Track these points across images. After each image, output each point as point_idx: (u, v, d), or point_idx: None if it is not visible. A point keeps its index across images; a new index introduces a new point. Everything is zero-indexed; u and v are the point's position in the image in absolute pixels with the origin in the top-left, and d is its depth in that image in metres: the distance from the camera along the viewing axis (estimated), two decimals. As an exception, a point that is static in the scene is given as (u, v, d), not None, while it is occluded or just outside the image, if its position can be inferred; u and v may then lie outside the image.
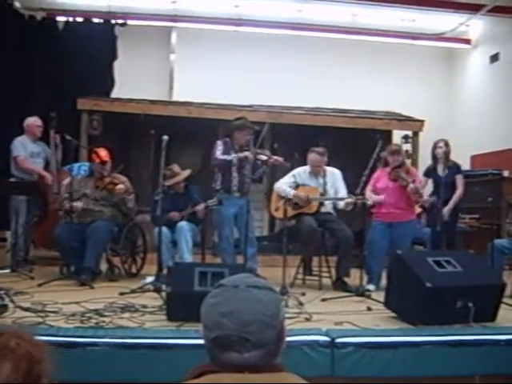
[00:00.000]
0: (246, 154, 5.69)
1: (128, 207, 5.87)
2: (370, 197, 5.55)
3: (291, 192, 5.73)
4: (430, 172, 6.27)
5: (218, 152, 5.78)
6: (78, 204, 5.59)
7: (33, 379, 1.28)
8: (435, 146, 6.18)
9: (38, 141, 6.56)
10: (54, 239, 5.52)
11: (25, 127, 6.48)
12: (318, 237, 5.64)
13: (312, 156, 5.82)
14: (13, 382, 1.25)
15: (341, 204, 5.63)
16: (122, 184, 5.80)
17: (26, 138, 6.45)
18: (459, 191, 6.12)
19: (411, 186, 5.42)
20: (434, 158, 6.20)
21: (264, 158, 5.85)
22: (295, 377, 1.37)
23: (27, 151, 6.38)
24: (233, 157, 5.73)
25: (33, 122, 6.50)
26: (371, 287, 5.34)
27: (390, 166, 5.66)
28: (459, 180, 6.15)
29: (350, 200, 5.38)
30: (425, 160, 8.07)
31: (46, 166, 6.55)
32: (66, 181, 5.97)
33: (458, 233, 6.59)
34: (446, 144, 6.13)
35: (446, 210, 5.98)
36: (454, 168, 6.17)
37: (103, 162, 5.80)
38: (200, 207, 5.68)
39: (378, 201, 5.56)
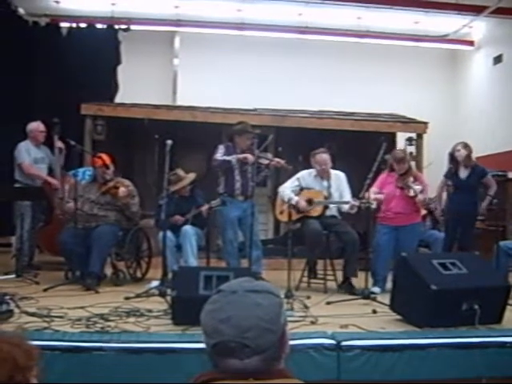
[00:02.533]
0: (246, 155, 5.70)
1: (132, 211, 5.86)
2: (373, 198, 5.50)
3: (294, 198, 5.72)
4: (451, 174, 6.14)
5: (218, 154, 5.81)
6: (70, 205, 5.57)
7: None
8: (454, 150, 6.07)
9: (41, 146, 6.56)
10: (59, 244, 5.53)
11: (28, 132, 6.47)
12: (322, 240, 5.64)
13: (318, 157, 5.79)
14: None
15: (345, 207, 5.62)
16: (125, 188, 5.81)
17: (29, 144, 6.43)
18: (493, 188, 6.09)
19: (420, 197, 5.41)
20: (454, 160, 6.07)
21: (266, 161, 5.85)
22: (300, 382, 1.35)
23: (31, 157, 6.38)
24: (232, 157, 5.75)
25: (36, 127, 6.48)
26: (376, 290, 5.33)
27: (395, 172, 5.63)
28: (490, 181, 6.12)
29: (354, 203, 5.37)
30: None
31: (50, 172, 6.56)
32: (69, 185, 5.97)
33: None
34: (465, 146, 6.03)
35: (483, 206, 6.08)
36: (479, 171, 6.07)
37: (105, 165, 5.80)
38: (203, 208, 5.68)
39: (379, 199, 5.52)
